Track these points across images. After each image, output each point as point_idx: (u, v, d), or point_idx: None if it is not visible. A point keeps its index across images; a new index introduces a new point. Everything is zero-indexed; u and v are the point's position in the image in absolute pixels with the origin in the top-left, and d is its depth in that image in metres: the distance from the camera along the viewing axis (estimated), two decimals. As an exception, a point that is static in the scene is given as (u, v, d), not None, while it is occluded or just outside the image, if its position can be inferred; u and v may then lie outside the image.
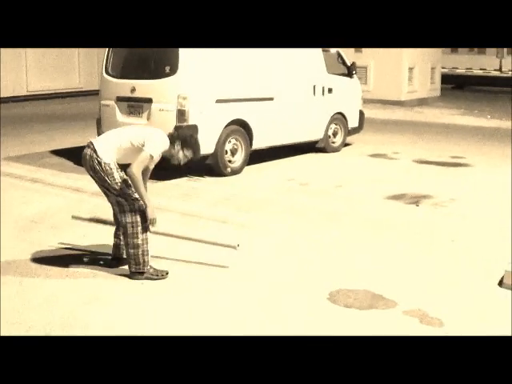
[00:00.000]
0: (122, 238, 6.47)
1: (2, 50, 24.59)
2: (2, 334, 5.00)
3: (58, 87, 26.53)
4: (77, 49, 27.93)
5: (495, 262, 6.79)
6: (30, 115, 21.22)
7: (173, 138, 6.33)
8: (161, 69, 10.70)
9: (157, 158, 6.18)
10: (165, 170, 7.94)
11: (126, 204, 6.19)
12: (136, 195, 6.16)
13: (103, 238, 7.18)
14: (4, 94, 24.64)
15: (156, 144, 6.11)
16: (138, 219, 6.20)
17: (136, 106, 10.84)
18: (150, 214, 6.17)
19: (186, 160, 6.52)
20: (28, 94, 25.51)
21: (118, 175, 6.15)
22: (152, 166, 6.38)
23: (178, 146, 6.34)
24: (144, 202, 6.15)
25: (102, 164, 6.12)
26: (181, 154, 6.39)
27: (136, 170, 5.99)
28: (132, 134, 6.30)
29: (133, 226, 6.21)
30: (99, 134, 11.64)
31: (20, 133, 16.68)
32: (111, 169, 6.14)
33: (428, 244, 7.55)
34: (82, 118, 18.24)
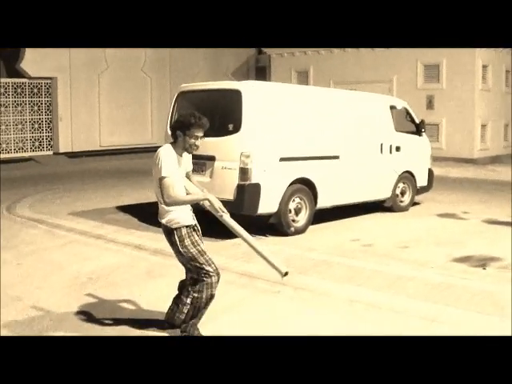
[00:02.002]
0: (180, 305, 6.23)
1: (75, 104, 25.23)
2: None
3: (130, 142, 27.03)
4: (150, 104, 28.52)
5: None
6: (101, 170, 21.57)
7: None
8: (224, 126, 10.60)
9: (171, 173, 5.76)
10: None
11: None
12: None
13: (160, 297, 7.04)
14: (77, 149, 25.20)
15: (162, 165, 5.74)
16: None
17: (199, 163, 10.71)
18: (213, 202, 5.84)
19: None
20: (101, 148, 26.00)
21: None
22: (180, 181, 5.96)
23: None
24: (201, 198, 5.90)
25: None
26: None
27: (168, 199, 5.71)
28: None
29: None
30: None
31: (89, 187, 16.93)
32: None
33: (493, 311, 7.11)
34: (151, 173, 18.32)
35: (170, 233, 5.93)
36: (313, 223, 11.56)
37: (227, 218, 5.93)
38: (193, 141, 5.77)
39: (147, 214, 12.70)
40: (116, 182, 18.48)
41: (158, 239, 10.25)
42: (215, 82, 12.73)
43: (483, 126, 25.86)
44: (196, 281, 5.94)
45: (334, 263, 9.20)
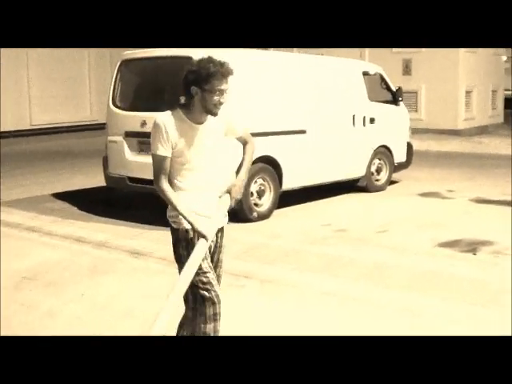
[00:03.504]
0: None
1: (2, 78, 24.85)
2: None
3: (66, 120, 26.73)
4: (88, 76, 28.25)
5: None
6: (33, 152, 21.37)
7: None
8: (175, 100, 10.49)
9: (164, 150, 4.81)
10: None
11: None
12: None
13: (107, 297, 7.01)
14: (4, 128, 24.85)
15: (152, 139, 4.91)
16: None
17: (147, 142, 10.51)
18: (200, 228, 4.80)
19: None
20: (32, 127, 25.74)
21: None
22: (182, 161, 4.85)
23: None
24: (179, 212, 4.79)
25: None
26: None
27: (155, 182, 4.85)
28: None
29: None
30: (106, 174, 11.55)
31: (20, 172, 16.75)
32: None
33: (487, 302, 7.21)
34: (92, 154, 18.16)
35: (170, 228, 5.04)
36: (278, 207, 11.61)
37: (199, 248, 4.84)
38: (216, 98, 4.69)
39: (88, 201, 12.67)
40: (51, 165, 18.30)
41: (101, 230, 10.27)
42: (163, 49, 12.62)
43: (468, 93, 26.08)
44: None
45: (304, 251, 9.25)
